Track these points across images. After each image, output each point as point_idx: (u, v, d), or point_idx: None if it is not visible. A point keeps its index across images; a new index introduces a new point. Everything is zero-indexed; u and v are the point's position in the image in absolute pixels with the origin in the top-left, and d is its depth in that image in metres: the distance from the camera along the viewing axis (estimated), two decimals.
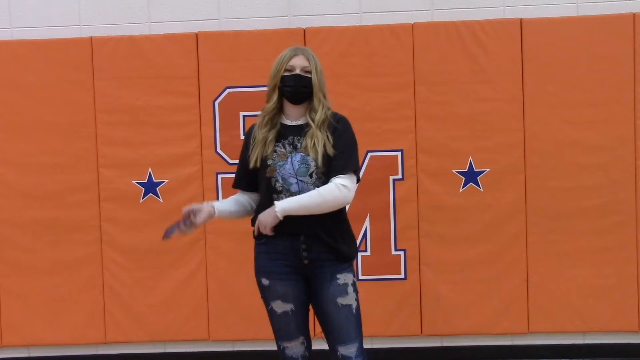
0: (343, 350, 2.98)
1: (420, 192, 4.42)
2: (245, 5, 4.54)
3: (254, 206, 3.12)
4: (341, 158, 2.95)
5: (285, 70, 2.98)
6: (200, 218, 2.96)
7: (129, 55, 4.47)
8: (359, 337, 3.01)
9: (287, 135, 2.99)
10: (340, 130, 2.99)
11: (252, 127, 3.10)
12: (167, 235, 2.99)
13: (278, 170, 2.95)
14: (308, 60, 2.99)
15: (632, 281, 4.41)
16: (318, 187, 2.93)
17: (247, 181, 3.10)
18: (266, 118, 3.01)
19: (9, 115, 4.52)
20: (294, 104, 3.01)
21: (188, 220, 2.96)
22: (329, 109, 3.01)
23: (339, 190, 2.90)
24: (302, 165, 2.94)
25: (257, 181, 3.06)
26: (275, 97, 3.00)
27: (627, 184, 4.38)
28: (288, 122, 3.03)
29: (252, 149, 3.02)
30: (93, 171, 4.51)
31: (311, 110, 2.99)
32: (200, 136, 4.48)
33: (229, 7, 4.55)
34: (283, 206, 2.88)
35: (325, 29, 4.44)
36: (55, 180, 4.50)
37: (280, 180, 2.95)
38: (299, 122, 3.02)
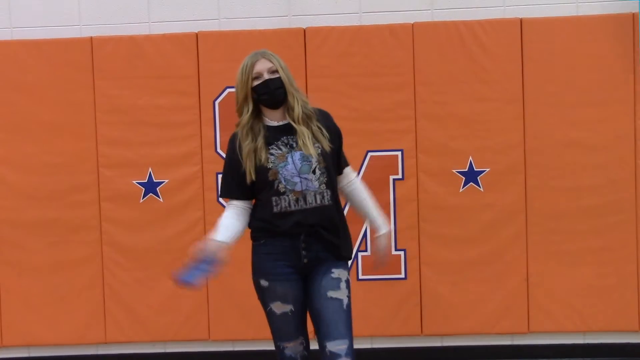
0: (332, 346, 2.89)
1: (421, 192, 4.42)
2: (245, 5, 4.54)
3: (247, 217, 3.03)
4: (342, 153, 3.10)
5: (253, 79, 2.93)
6: (221, 256, 2.93)
7: (129, 55, 4.47)
8: (349, 336, 2.93)
9: (279, 136, 2.95)
10: (333, 124, 3.05)
11: (234, 138, 3.00)
12: (187, 282, 2.89)
13: (280, 172, 2.91)
14: (270, 60, 2.95)
15: (632, 281, 4.41)
16: (323, 182, 2.92)
17: (242, 191, 2.99)
18: (245, 130, 2.95)
19: (10, 116, 4.51)
20: (275, 109, 2.97)
21: (210, 260, 2.88)
22: (305, 101, 2.98)
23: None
24: (305, 163, 2.92)
25: (252, 191, 2.97)
26: (249, 107, 2.95)
27: (627, 184, 4.38)
28: (274, 124, 2.98)
29: (243, 164, 2.93)
30: (93, 171, 4.50)
31: (288, 108, 2.96)
32: (200, 136, 4.48)
33: (229, 7, 4.54)
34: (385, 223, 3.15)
35: (325, 29, 4.44)
36: (55, 181, 4.50)
37: (283, 182, 2.91)
38: (286, 122, 2.97)
